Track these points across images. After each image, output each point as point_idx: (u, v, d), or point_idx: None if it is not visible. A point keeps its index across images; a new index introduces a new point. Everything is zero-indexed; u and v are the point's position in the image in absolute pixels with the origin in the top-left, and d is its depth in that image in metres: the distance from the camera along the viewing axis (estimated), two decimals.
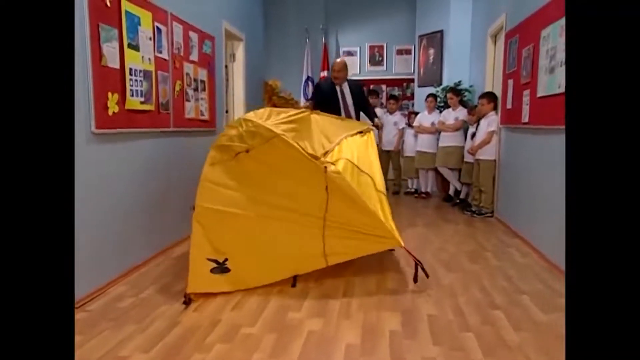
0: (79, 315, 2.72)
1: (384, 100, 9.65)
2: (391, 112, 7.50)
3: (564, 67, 3.46)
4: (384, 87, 9.81)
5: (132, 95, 3.40)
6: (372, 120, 5.35)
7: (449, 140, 6.56)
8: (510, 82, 5.00)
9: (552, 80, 3.71)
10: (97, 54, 3.01)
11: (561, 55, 3.53)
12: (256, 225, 3.10)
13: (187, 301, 2.90)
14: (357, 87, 5.24)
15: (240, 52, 6.35)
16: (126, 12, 3.31)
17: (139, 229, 3.60)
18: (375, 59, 9.84)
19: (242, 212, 3.09)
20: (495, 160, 5.56)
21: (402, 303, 2.90)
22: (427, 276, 3.15)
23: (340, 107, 5.05)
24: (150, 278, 3.36)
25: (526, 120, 4.37)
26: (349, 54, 9.87)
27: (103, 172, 3.13)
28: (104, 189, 3.13)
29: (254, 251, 3.11)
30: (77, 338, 2.43)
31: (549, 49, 3.82)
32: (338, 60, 5.13)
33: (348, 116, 5.05)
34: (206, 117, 4.94)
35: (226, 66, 6.00)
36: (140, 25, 3.50)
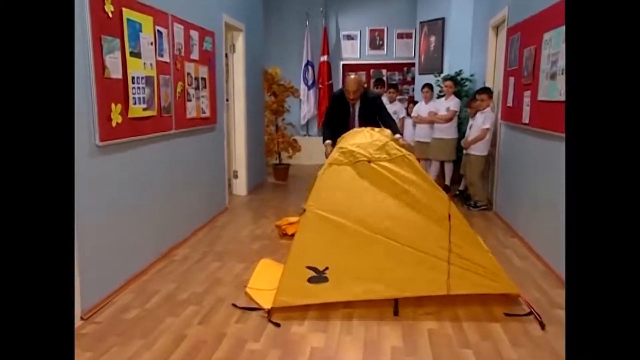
0: (88, 328, 2.78)
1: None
2: (390, 101, 7.46)
3: (564, 75, 3.47)
4: (384, 71, 9.77)
5: (135, 103, 3.40)
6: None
7: (440, 132, 6.55)
8: (512, 79, 4.99)
9: (553, 86, 3.72)
10: (100, 67, 3.00)
11: (563, 63, 3.53)
12: (365, 240, 3.07)
13: (277, 324, 2.84)
14: (373, 101, 4.90)
15: (240, 42, 6.31)
16: (127, 20, 3.29)
17: (142, 236, 3.65)
18: (376, 42, 9.77)
19: (352, 225, 3.08)
20: (485, 157, 5.61)
21: (402, 316, 2.96)
22: (543, 327, 2.80)
23: (348, 128, 4.75)
24: (154, 286, 3.41)
25: (527, 121, 4.38)
26: (349, 37, 9.81)
27: (107, 183, 3.15)
28: (108, 199, 3.16)
29: (358, 265, 3.03)
30: (87, 355, 2.51)
31: (550, 54, 3.81)
32: (352, 77, 4.77)
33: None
34: (207, 114, 4.95)
35: (226, 55, 5.97)
36: (141, 31, 3.48)
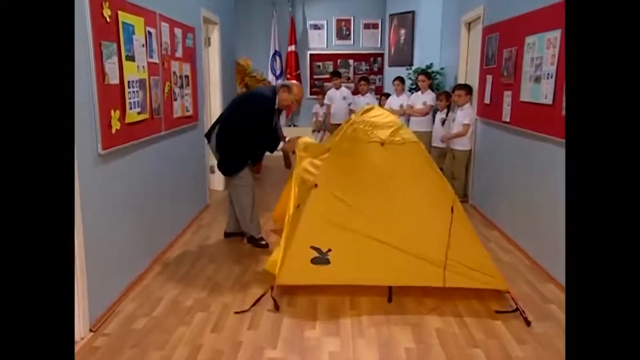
0: (99, 341, 2.75)
1: (351, 75, 9.68)
2: (362, 94, 7.55)
3: (551, 79, 3.63)
4: (351, 61, 9.83)
5: (131, 108, 3.34)
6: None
7: (416, 125, 6.65)
8: (489, 77, 5.15)
9: (537, 88, 3.88)
10: (101, 74, 2.93)
11: (548, 68, 3.68)
12: (369, 226, 3.14)
13: (276, 307, 3.02)
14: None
15: (215, 36, 6.21)
16: (123, 23, 3.21)
17: (138, 240, 3.60)
18: (343, 32, 9.79)
19: (358, 209, 3.15)
20: (470, 151, 5.77)
21: (408, 315, 3.07)
22: (528, 324, 2.94)
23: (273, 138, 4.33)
24: (156, 292, 3.38)
25: (507, 120, 4.55)
26: (316, 27, 9.80)
27: (108, 190, 3.09)
28: (108, 206, 3.11)
29: (360, 251, 3.14)
30: None
31: (534, 58, 3.96)
32: (298, 84, 4.37)
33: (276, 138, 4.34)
34: (190, 112, 4.88)
35: None
36: (134, 34, 3.40)
